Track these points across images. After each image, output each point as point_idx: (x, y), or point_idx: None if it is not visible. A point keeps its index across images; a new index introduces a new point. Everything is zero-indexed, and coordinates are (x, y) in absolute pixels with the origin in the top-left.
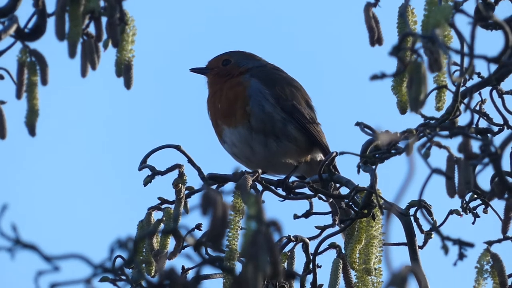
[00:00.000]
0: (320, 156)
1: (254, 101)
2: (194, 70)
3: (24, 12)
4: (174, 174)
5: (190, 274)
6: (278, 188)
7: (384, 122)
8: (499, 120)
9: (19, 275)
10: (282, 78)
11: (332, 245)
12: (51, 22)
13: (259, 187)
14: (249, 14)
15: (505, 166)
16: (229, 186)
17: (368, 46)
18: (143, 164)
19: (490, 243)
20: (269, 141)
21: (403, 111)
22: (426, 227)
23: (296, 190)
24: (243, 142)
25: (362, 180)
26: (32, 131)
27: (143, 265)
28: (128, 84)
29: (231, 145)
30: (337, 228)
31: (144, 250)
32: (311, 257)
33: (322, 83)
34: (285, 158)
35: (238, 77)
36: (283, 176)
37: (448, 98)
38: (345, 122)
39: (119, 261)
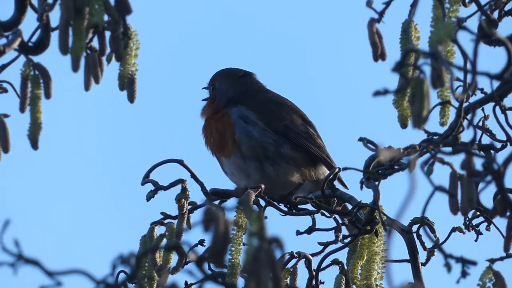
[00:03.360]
0: (325, 172)
1: (239, 128)
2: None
3: (28, 26)
4: (177, 189)
5: None
6: (280, 204)
7: (387, 137)
8: (502, 136)
9: None
10: (271, 100)
11: (335, 262)
12: (54, 36)
13: (262, 202)
14: (251, 28)
15: (508, 183)
16: (232, 201)
17: (372, 61)
18: (146, 179)
19: (492, 260)
20: (265, 166)
21: (403, 125)
22: (429, 244)
23: (299, 206)
24: (239, 171)
25: (365, 196)
26: (34, 144)
27: (145, 280)
28: (131, 98)
29: (230, 174)
30: (340, 244)
31: (146, 265)
32: (314, 273)
33: (326, 98)
34: (287, 179)
35: (222, 109)
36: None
37: (451, 114)
38: (348, 137)
39: (122, 276)
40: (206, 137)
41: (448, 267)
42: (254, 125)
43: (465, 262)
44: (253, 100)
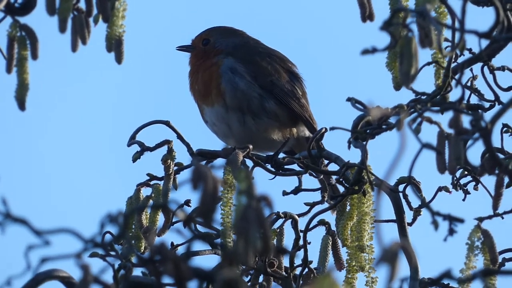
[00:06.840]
0: (305, 130)
1: (226, 79)
2: (180, 48)
3: None
4: (163, 150)
5: (180, 251)
6: (267, 164)
7: (376, 97)
8: (491, 96)
9: (9, 249)
10: (261, 54)
11: (322, 222)
12: None
13: (249, 163)
14: None
15: (496, 143)
16: (219, 162)
17: (360, 22)
18: (132, 140)
19: (481, 219)
20: (246, 118)
21: (398, 86)
22: (415, 204)
23: (286, 166)
24: (220, 120)
25: (352, 156)
26: (22, 105)
27: (133, 241)
28: (119, 59)
29: (211, 123)
30: (326, 204)
31: (133, 226)
32: (302, 233)
33: (314, 58)
34: (267, 134)
35: (213, 57)
36: (271, 153)
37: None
38: (336, 97)
39: (108, 237)
40: (191, 83)
41: (435, 224)
42: (241, 77)
43: (452, 220)
44: (243, 53)
